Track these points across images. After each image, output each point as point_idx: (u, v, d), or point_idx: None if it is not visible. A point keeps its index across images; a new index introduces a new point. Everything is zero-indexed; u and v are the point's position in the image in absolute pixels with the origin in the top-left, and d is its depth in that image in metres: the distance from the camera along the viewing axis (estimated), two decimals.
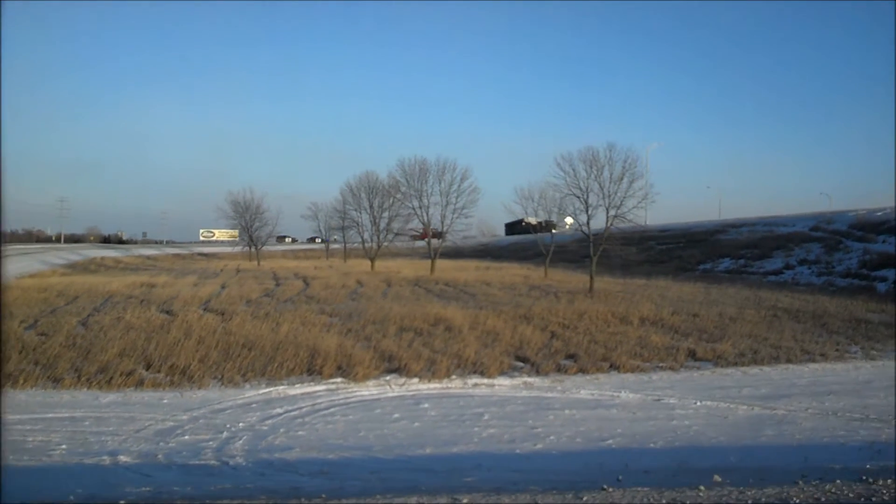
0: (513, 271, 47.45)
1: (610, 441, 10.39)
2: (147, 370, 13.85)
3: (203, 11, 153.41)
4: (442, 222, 42.38)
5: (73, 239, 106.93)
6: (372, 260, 52.54)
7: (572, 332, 18.83)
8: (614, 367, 15.23)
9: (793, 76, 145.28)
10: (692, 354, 16.72)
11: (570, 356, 16.08)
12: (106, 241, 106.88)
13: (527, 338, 17.73)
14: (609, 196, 28.78)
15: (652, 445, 10.21)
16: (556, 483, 7.45)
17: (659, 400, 12.89)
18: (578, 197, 29.88)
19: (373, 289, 31.46)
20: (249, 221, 64.29)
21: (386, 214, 51.77)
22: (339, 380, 13.61)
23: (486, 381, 13.99)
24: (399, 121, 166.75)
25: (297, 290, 30.07)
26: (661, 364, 15.85)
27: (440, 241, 43.72)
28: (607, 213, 29.17)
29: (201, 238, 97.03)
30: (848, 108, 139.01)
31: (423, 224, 43.65)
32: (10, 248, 69.10)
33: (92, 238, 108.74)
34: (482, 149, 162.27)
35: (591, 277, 29.55)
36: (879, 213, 53.03)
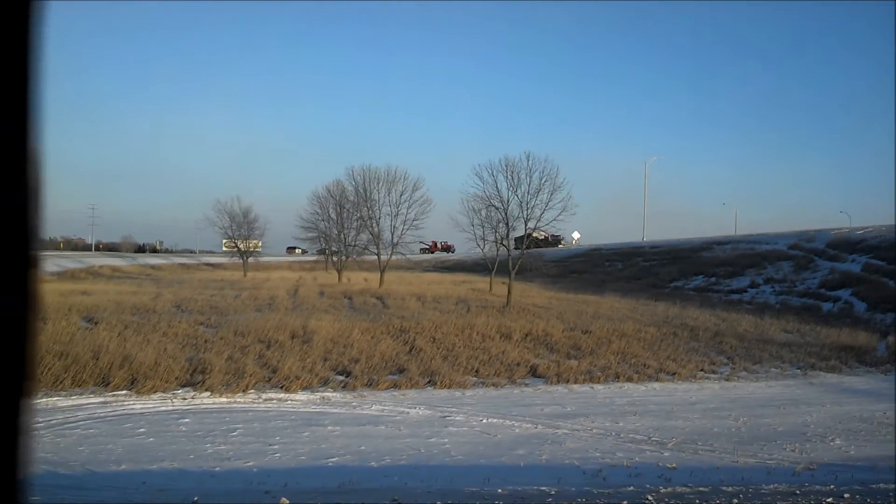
0: (475, 286, 46.53)
1: (334, 459, 9.82)
2: None
3: (226, 14, 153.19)
4: (392, 234, 41.85)
5: (110, 248, 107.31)
6: (339, 271, 52.08)
7: (435, 347, 18.24)
8: (432, 382, 14.61)
9: (818, 91, 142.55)
10: (533, 371, 16.05)
11: (400, 371, 15.49)
12: (140, 249, 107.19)
13: (377, 351, 17.18)
14: (528, 208, 28.10)
15: (372, 464, 9.62)
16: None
17: (446, 417, 12.27)
18: (497, 208, 29.21)
19: (299, 299, 31.04)
20: (236, 230, 64.14)
21: (355, 225, 50.94)
22: (123, 392, 13.16)
23: (282, 395, 13.46)
24: (401, 129, 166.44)
25: (215, 301, 29.63)
26: (492, 380, 15.20)
27: (386, 254, 42.73)
28: (525, 224, 28.47)
29: (224, 248, 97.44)
30: (871, 123, 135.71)
31: (373, 235, 43.07)
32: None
33: (105, 247, 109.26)
34: (482, 157, 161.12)
35: (509, 292, 28.80)
36: (860, 232, 51.81)
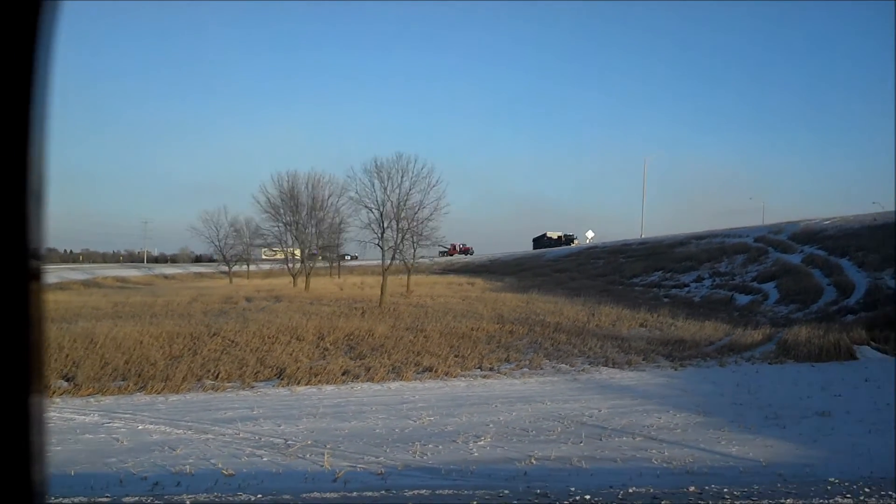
0: (421, 289, 45.65)
1: None
2: None
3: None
4: (317, 238, 41.38)
5: (172, 259, 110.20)
6: (294, 277, 51.75)
7: (218, 349, 17.78)
8: (143, 387, 14.12)
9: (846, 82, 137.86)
10: (280, 373, 15.45)
11: (136, 374, 15.03)
12: (197, 259, 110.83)
13: (144, 355, 16.74)
14: (400, 208, 27.36)
15: None
16: None
17: (104, 424, 11.72)
18: (371, 209, 28.52)
19: (202, 306, 30.69)
20: (221, 240, 64.63)
21: (314, 230, 50.30)
22: None
23: None
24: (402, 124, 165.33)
25: (115, 309, 29.58)
26: (221, 384, 14.69)
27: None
28: (397, 225, 27.73)
29: (263, 257, 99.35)
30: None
31: (298, 240, 42.74)
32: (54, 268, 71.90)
33: (165, 258, 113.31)
34: (484, 155, 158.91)
35: (382, 292, 28.15)
36: (826, 223, 50.12)
